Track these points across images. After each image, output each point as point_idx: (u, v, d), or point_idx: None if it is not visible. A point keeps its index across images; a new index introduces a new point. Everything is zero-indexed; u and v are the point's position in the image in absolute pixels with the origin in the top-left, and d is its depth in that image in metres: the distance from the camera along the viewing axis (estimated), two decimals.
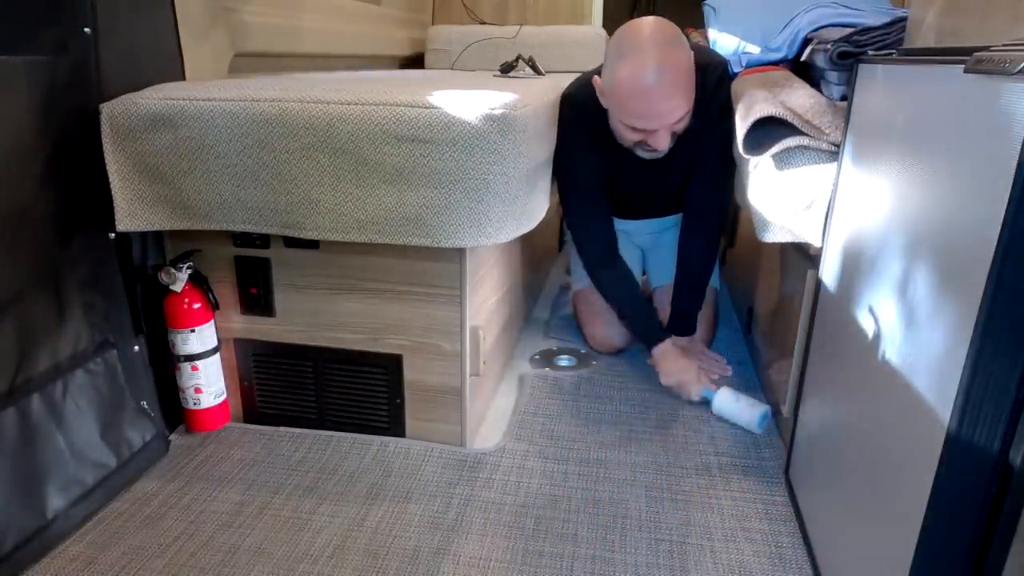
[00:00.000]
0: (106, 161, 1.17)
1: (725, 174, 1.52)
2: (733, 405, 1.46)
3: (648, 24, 1.32)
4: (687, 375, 1.51)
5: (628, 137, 1.40)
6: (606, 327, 1.75)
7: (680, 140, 1.42)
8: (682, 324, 1.67)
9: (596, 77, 1.42)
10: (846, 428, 0.94)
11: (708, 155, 1.52)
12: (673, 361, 1.54)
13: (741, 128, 1.21)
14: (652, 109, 1.31)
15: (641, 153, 1.44)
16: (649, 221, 1.80)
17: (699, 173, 1.56)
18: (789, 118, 1.11)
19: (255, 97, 1.14)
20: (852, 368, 0.93)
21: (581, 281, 1.77)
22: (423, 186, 1.12)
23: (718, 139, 1.47)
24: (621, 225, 1.74)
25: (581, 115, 1.48)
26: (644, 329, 1.61)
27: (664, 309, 1.73)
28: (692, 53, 1.34)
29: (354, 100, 1.12)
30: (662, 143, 1.36)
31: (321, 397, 1.40)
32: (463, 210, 1.12)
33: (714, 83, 1.46)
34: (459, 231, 1.14)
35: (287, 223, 1.19)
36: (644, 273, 1.91)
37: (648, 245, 1.87)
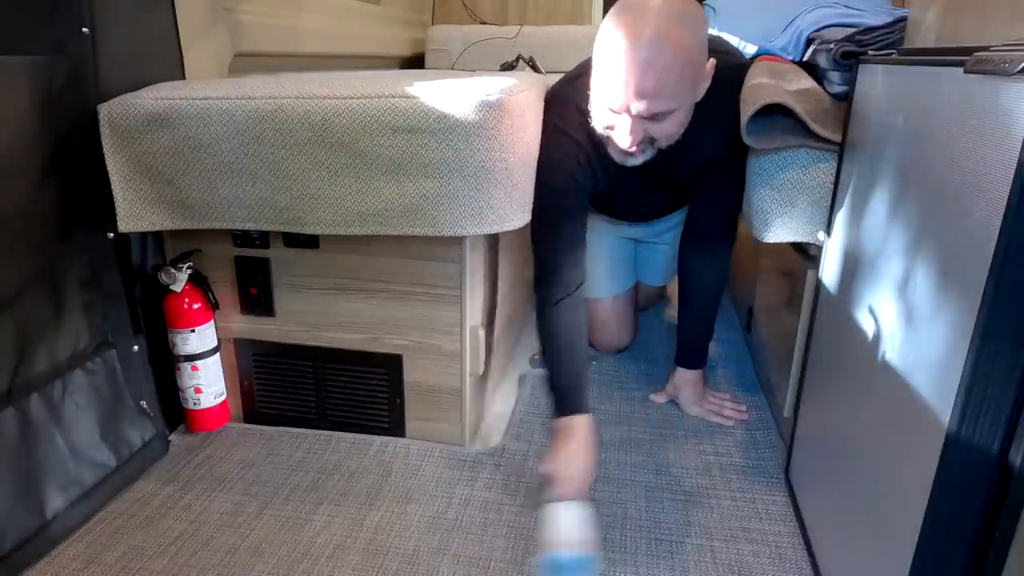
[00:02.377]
0: (106, 162, 1.17)
1: (741, 199, 1.27)
2: (562, 523, 1.03)
3: None
4: (572, 469, 1.10)
5: (599, 121, 1.13)
6: (610, 332, 1.75)
7: (688, 156, 1.19)
8: (690, 356, 1.48)
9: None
10: (846, 428, 0.94)
11: (726, 182, 1.29)
12: (570, 446, 1.13)
13: (744, 114, 1.19)
14: (627, 81, 1.02)
15: (614, 155, 1.16)
16: (647, 225, 1.68)
17: (711, 199, 1.36)
18: (796, 110, 1.10)
19: (250, 95, 1.14)
20: (852, 368, 0.93)
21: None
22: (422, 176, 1.12)
23: (739, 166, 1.24)
24: (612, 226, 1.69)
25: (567, 115, 1.24)
26: (565, 393, 1.20)
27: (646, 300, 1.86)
28: (705, 46, 1.09)
29: (348, 94, 1.11)
30: (626, 137, 1.07)
31: (321, 397, 1.40)
32: (464, 198, 1.12)
33: (730, 86, 1.19)
34: (461, 220, 1.13)
35: (288, 219, 1.18)
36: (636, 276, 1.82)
37: (643, 239, 1.73)
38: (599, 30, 1.08)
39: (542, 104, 1.29)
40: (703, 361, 1.50)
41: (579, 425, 1.15)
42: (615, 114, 1.08)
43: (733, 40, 1.80)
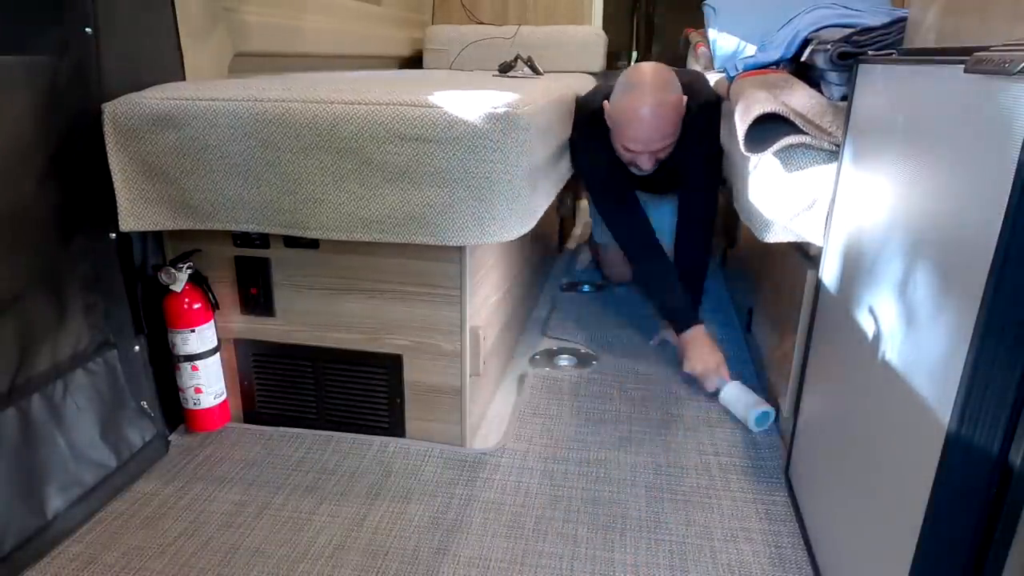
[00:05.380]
0: (109, 161, 1.17)
1: (710, 184, 1.77)
2: (738, 400, 1.48)
3: (650, 70, 1.61)
4: (711, 364, 1.57)
5: (622, 155, 1.67)
6: (621, 265, 2.15)
7: (674, 161, 1.70)
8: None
9: (605, 102, 1.66)
10: (846, 428, 0.94)
11: (702, 180, 1.76)
12: (702, 349, 1.59)
13: (741, 126, 1.21)
14: (641, 137, 1.58)
15: (631, 168, 1.69)
16: (652, 195, 2.04)
17: (695, 191, 1.78)
18: (790, 116, 1.11)
19: (258, 97, 1.14)
20: (852, 368, 0.93)
21: (602, 237, 2.18)
22: (427, 185, 1.12)
23: (702, 157, 1.74)
24: None
25: (597, 121, 1.70)
26: (679, 313, 1.66)
27: None
28: (682, 95, 1.61)
29: (357, 100, 1.12)
30: (645, 165, 1.64)
31: (321, 397, 1.40)
32: (467, 208, 1.13)
33: (695, 112, 1.69)
34: (463, 229, 1.14)
35: (291, 222, 1.19)
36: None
37: (653, 205, 2.04)
38: (615, 97, 1.63)
39: (547, 118, 1.40)
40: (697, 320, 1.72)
41: (699, 334, 1.62)
42: (635, 153, 1.62)
43: (732, 40, 1.83)
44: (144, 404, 1.29)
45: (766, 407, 1.44)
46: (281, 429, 1.41)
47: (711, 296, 2.17)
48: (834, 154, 1.09)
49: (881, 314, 0.83)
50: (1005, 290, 0.57)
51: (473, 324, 1.32)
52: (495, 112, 1.09)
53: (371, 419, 1.39)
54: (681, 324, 1.64)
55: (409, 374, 1.35)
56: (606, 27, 3.07)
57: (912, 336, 0.74)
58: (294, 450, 1.35)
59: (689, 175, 1.77)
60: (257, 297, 1.35)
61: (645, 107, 1.54)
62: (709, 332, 1.64)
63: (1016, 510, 0.60)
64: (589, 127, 1.73)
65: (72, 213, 1.14)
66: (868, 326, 0.87)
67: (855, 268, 0.95)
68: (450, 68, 2.75)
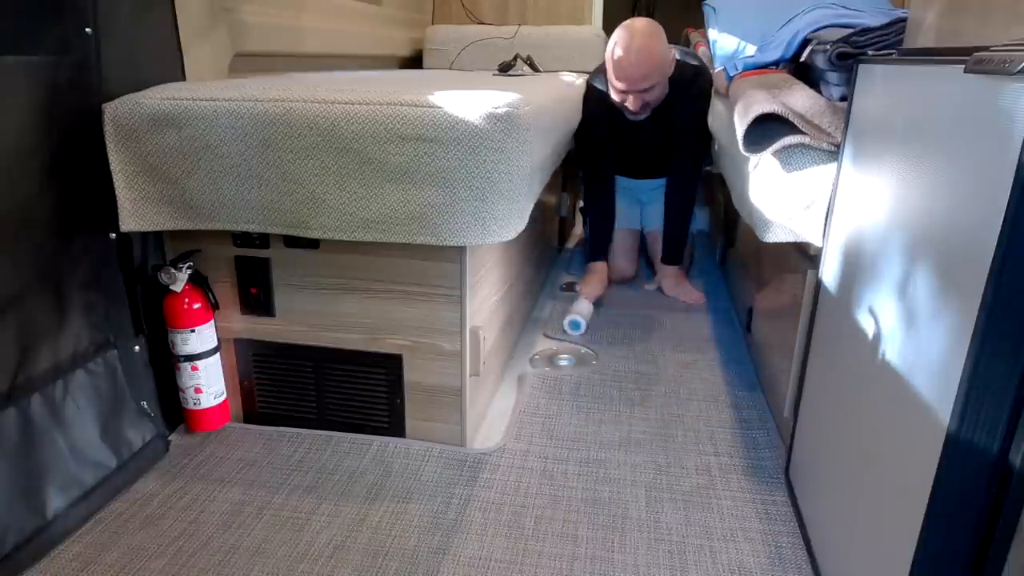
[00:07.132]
0: (110, 161, 1.17)
1: (697, 140, 2.07)
2: (566, 308, 1.95)
3: (641, 19, 1.90)
4: (594, 289, 2.06)
5: (614, 96, 1.96)
6: (618, 260, 2.30)
7: (661, 115, 2.03)
8: (671, 251, 2.20)
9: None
10: (846, 428, 0.94)
11: (683, 125, 2.06)
12: (595, 276, 2.11)
13: (740, 126, 1.21)
14: (626, 72, 1.86)
15: (627, 114, 1.99)
16: (647, 180, 2.30)
17: (681, 153, 2.11)
18: (790, 116, 1.11)
19: (258, 97, 1.14)
20: (852, 368, 0.93)
21: None
22: (428, 185, 1.12)
23: (690, 115, 2.04)
24: (627, 183, 2.31)
25: (599, 93, 2.04)
26: (596, 251, 2.16)
27: (653, 247, 2.38)
28: (668, 48, 1.91)
29: (358, 100, 1.12)
30: (634, 105, 1.92)
31: (321, 397, 1.40)
32: (468, 208, 1.13)
33: (690, 77, 2.03)
34: (464, 229, 1.14)
35: (292, 223, 1.19)
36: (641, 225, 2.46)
37: (646, 200, 2.38)
38: (609, 45, 1.89)
39: (547, 118, 1.42)
40: (679, 260, 2.21)
41: (599, 266, 2.15)
42: (625, 92, 1.90)
43: (732, 40, 1.84)
44: (144, 404, 1.29)
45: (578, 317, 1.90)
46: (281, 429, 1.41)
47: (711, 296, 2.18)
48: (833, 154, 1.09)
49: (881, 314, 0.83)
50: (1005, 290, 0.57)
51: (473, 324, 1.32)
52: (496, 112, 1.09)
53: (371, 419, 1.39)
54: (593, 256, 2.15)
55: (409, 374, 1.35)
56: (606, 27, 3.07)
57: (912, 336, 0.74)
58: (294, 450, 1.35)
59: (678, 127, 2.06)
60: (257, 297, 1.35)
61: (632, 46, 1.82)
62: (667, 273, 2.18)
63: (1016, 510, 0.60)
64: (594, 94, 2.04)
65: (72, 213, 1.14)
66: (868, 326, 0.87)
67: (855, 268, 0.95)
68: (450, 68, 2.75)
